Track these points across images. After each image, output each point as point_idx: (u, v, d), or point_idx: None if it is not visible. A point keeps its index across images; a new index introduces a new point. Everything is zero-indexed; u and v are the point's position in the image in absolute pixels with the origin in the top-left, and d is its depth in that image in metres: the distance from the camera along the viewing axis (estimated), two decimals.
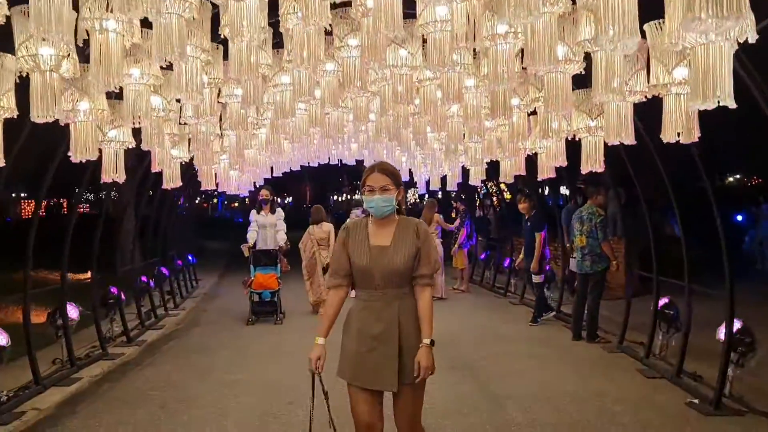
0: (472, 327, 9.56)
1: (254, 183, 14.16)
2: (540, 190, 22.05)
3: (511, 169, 8.15)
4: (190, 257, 14.70)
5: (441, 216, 12.80)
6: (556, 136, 5.83)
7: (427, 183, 13.39)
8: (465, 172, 11.33)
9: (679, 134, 3.75)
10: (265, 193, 10.52)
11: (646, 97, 4.22)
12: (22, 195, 43.34)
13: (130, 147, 5.59)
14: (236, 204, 60.39)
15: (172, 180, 7.02)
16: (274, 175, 12.58)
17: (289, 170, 12.93)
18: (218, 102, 6.13)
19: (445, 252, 13.60)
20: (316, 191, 58.94)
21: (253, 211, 10.62)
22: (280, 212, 10.56)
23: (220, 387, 6.43)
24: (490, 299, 12.26)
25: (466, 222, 13.09)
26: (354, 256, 3.52)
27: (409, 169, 13.37)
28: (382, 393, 3.50)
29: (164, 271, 11.62)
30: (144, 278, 10.19)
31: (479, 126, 7.01)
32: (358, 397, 3.46)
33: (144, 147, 5.87)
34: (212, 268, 18.59)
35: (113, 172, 5.51)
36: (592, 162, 5.44)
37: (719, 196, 6.38)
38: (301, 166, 14.01)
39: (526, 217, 9.86)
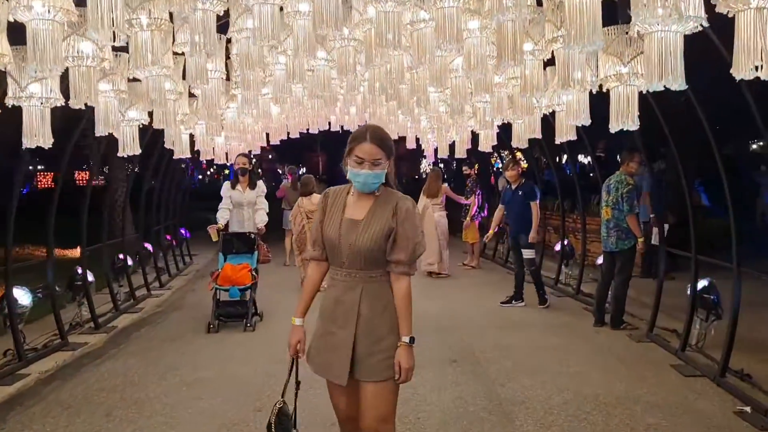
0: (480, 310, 8.57)
1: (249, 152, 13.22)
2: (558, 159, 20.83)
3: (524, 131, 7.05)
4: (183, 231, 13.77)
5: (448, 186, 11.73)
6: (579, 86, 4.73)
7: (436, 151, 12.34)
8: (475, 137, 10.30)
9: (758, 68, 2.65)
10: (241, 162, 8.58)
11: (702, 25, 3.12)
12: (39, 167, 44.21)
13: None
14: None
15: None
16: (282, 143, 11.71)
17: (287, 137, 11.90)
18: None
19: (456, 225, 12.60)
20: (330, 161, 58.09)
21: (226, 185, 8.62)
22: (261, 187, 8.65)
23: (180, 387, 5.51)
24: (502, 276, 11.18)
25: (478, 192, 12.00)
26: (326, 226, 3.08)
27: (416, 137, 12.28)
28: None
29: (148, 247, 10.72)
30: (121, 256, 9.29)
31: (486, 80, 5.95)
32: (331, 386, 3.11)
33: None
34: (213, 243, 17.68)
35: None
36: (623, 118, 4.37)
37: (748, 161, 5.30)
38: (312, 136, 13.09)
39: (514, 186, 8.81)
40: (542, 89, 5.46)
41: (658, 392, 5.25)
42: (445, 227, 11.29)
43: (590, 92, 5.16)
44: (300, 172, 55.63)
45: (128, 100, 5.66)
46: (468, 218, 11.94)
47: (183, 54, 5.29)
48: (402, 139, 12.33)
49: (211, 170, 61.23)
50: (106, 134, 5.33)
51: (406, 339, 2.95)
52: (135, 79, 5.41)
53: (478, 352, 6.45)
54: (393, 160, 3.05)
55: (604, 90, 4.52)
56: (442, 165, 16.25)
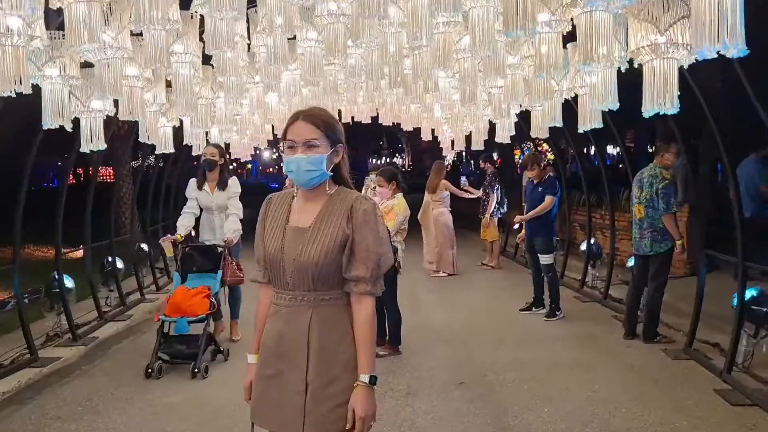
0: (495, 318, 7.75)
1: (254, 148, 12.55)
2: (585, 150, 19.83)
3: (543, 119, 6.23)
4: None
5: (448, 182, 10.93)
6: (605, 62, 3.90)
7: (453, 145, 11.53)
8: (493, 127, 9.49)
9: None
10: (209, 153, 6.73)
11: None
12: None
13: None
14: (270, 169, 59.47)
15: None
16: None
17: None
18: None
19: (472, 222, 11.79)
20: (354, 155, 57.50)
21: (192, 183, 6.76)
22: (233, 186, 6.74)
23: (147, 415, 4.82)
24: (523, 277, 10.19)
25: (496, 186, 11.14)
26: (266, 239, 2.43)
27: (432, 130, 11.42)
28: None
29: (144, 247, 10.09)
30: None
31: (497, 61, 5.15)
32: None
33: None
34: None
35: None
36: (660, 100, 3.55)
37: None
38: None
39: (535, 182, 7.90)
40: (562, 68, 4.64)
41: (701, 425, 4.42)
42: (445, 224, 10.56)
43: (618, 71, 4.35)
44: None
45: (85, 87, 4.98)
46: (486, 215, 11.08)
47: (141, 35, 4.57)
48: (417, 131, 11.56)
49: (233, 165, 61.12)
50: (56, 127, 4.64)
51: (365, 378, 2.28)
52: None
53: (490, 373, 5.65)
54: (344, 152, 2.40)
55: (636, 65, 3.71)
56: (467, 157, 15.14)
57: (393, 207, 6.08)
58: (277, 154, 56.99)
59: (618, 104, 4.47)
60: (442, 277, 10.41)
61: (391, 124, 11.10)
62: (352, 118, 11.07)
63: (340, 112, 10.86)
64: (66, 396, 5.33)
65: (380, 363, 6.09)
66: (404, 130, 11.31)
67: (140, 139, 6.62)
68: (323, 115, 2.35)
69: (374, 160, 65.48)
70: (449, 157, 49.99)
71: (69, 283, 7.14)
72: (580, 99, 5.27)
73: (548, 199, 7.62)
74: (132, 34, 4.51)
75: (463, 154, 13.21)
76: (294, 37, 5.48)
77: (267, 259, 2.40)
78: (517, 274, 10.53)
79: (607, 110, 4.64)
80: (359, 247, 2.29)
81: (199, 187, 6.72)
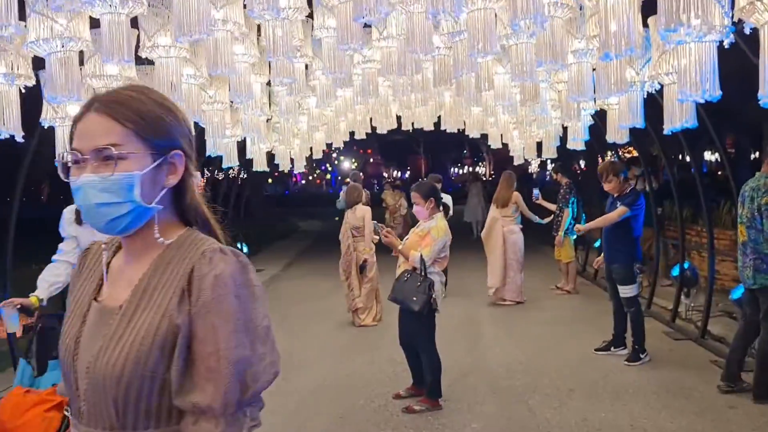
0: (564, 359, 6.46)
1: (309, 157, 11.78)
2: (681, 156, 17.98)
3: (621, 117, 4.99)
4: (239, 245, 12.45)
5: (520, 196, 9.49)
6: (699, 29, 2.69)
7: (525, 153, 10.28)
8: (565, 132, 8.25)
9: None
10: None
11: None
12: None
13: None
14: (348, 180, 59.23)
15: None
16: (385, 146, 10.29)
17: (350, 138, 10.34)
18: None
19: (544, 235, 10.42)
20: (434, 163, 56.39)
21: (68, 214, 4.19)
22: None
23: None
24: (603, 306, 8.59)
25: (572, 200, 9.75)
26: (65, 326, 1.42)
27: (500, 136, 10.16)
28: None
29: None
30: None
31: (552, 40, 4.00)
32: None
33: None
34: (286, 253, 16.48)
35: None
36: None
37: None
38: (416, 137, 11.49)
39: (615, 196, 6.45)
40: (639, 47, 3.44)
41: None
42: (517, 245, 9.24)
43: (720, 48, 3.14)
44: (403, 176, 54.39)
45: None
46: (560, 233, 9.71)
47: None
48: (485, 138, 10.38)
49: (314, 175, 61.25)
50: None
51: None
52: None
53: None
54: (188, 163, 1.38)
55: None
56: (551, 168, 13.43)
57: (430, 230, 4.97)
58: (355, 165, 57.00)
59: (720, 93, 3.24)
60: (506, 306, 9.12)
61: (456, 131, 10.01)
62: (412, 124, 10.06)
63: (399, 118, 9.89)
64: None
65: (413, 420, 4.88)
66: (479, 137, 10.10)
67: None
68: (135, 100, 1.32)
69: (456, 170, 64.09)
70: (533, 165, 47.93)
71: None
72: (666, 89, 4.03)
73: (619, 210, 6.19)
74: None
75: (553, 163, 11.73)
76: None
77: (60, 364, 1.40)
78: (597, 302, 9.11)
79: (703, 102, 3.38)
80: (202, 351, 1.25)
81: (78, 220, 4.07)
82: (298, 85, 5.47)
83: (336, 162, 62.18)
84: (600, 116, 7.11)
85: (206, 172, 11.24)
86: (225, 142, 6.64)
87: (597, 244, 11.34)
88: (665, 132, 4.15)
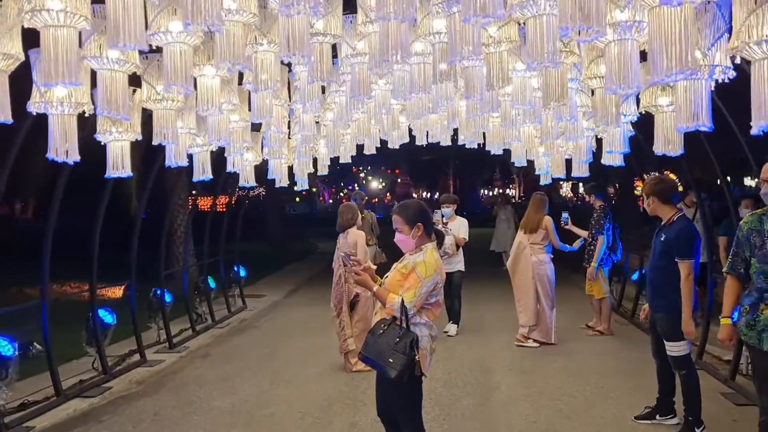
0: (595, 426, 5.14)
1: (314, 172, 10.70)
2: (727, 176, 16.63)
3: (679, 116, 3.69)
4: (236, 269, 11.26)
5: (551, 221, 8.16)
6: None
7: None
8: (599, 146, 7.01)
9: None
10: None
11: None
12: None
13: None
14: (375, 200, 58.39)
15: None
16: (415, 165, 9.28)
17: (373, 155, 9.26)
18: None
19: (573, 263, 9.03)
20: (464, 184, 55.07)
21: None
22: None
23: None
24: (642, 351, 7.06)
25: (606, 226, 8.38)
26: None
27: (525, 151, 8.83)
28: None
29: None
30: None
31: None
32: None
33: None
34: (294, 277, 15.33)
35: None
36: None
37: None
38: (446, 157, 10.39)
39: (662, 223, 5.02)
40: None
41: None
42: (547, 277, 7.91)
43: None
44: (434, 197, 53.31)
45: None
46: (593, 263, 8.33)
47: None
48: (508, 155, 9.08)
49: (342, 194, 60.30)
50: None
51: None
52: None
53: None
54: None
55: None
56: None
57: (415, 266, 3.64)
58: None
59: None
60: (529, 349, 7.76)
61: (477, 146, 8.79)
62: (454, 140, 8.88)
63: (410, 130, 8.72)
64: None
65: None
66: (502, 152, 8.80)
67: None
68: None
69: (486, 192, 62.41)
70: (565, 187, 45.63)
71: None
72: (756, 68, 2.74)
73: (681, 265, 4.72)
74: None
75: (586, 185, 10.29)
76: None
77: None
78: (635, 347, 7.67)
79: None
80: None
81: None
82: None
83: (364, 182, 61.49)
84: (643, 125, 5.82)
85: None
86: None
87: (635, 276, 9.98)
88: (755, 132, 2.81)
